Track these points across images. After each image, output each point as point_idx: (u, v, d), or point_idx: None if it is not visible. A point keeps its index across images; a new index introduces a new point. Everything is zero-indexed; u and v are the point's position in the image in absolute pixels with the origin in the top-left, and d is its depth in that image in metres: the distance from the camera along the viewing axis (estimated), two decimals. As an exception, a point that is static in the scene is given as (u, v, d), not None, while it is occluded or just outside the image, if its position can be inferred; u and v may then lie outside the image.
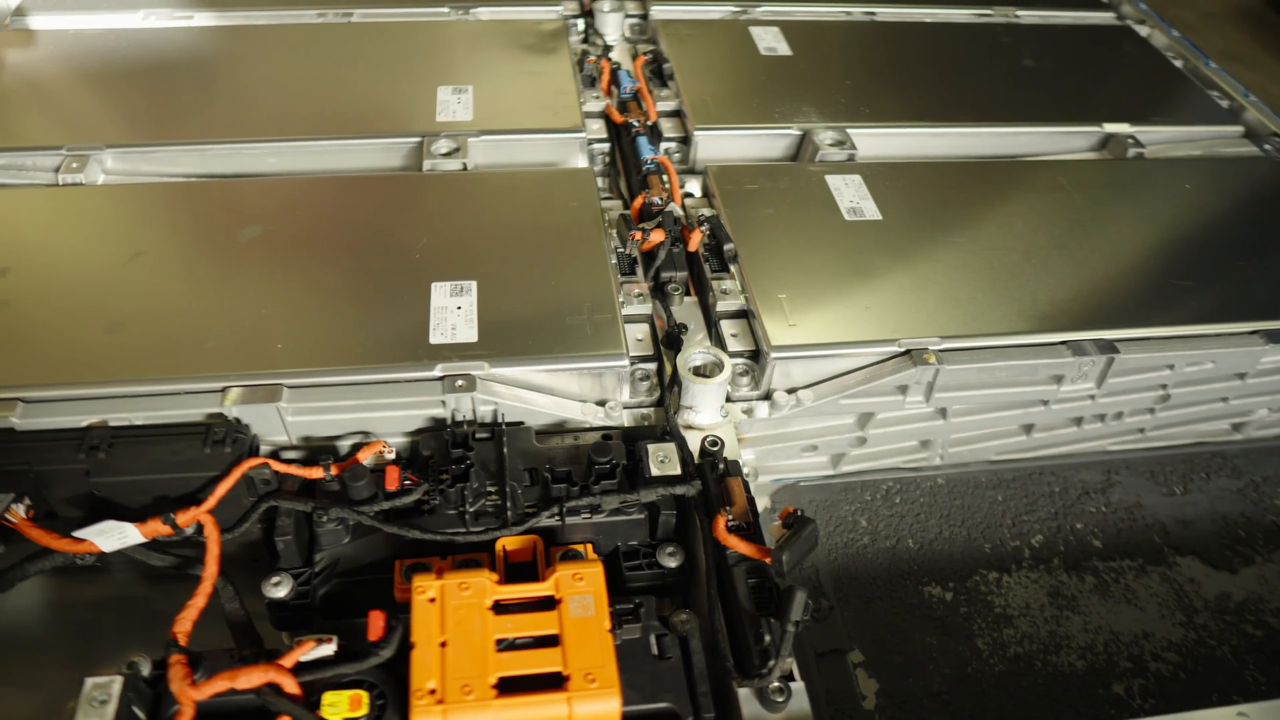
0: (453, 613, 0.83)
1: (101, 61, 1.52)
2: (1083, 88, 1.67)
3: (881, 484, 1.21)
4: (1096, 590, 1.12)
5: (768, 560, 0.89)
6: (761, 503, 1.18)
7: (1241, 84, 1.79)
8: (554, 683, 0.80)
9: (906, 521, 1.17)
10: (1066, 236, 1.31)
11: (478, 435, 1.02)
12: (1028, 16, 1.88)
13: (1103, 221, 1.35)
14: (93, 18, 1.64)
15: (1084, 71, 1.72)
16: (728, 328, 1.16)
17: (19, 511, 0.92)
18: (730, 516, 0.93)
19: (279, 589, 0.91)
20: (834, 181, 1.35)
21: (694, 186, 1.41)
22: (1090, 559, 1.16)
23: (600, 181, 1.41)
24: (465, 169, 1.34)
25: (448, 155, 1.35)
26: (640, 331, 1.16)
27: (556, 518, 0.94)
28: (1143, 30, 1.91)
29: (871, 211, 1.31)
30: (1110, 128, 1.56)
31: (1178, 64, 1.80)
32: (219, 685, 0.79)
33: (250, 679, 0.79)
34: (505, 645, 0.82)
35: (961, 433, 1.22)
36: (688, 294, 1.23)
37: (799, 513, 0.91)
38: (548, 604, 0.85)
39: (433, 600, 0.84)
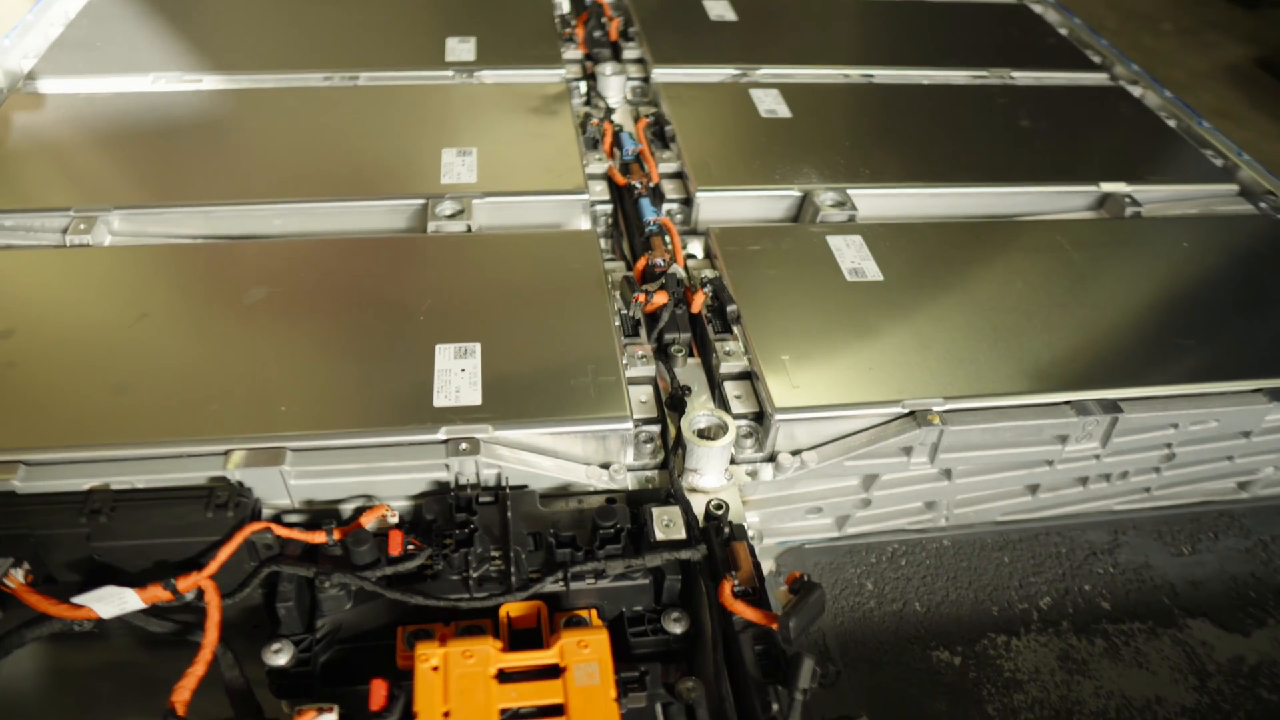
0: (456, 681, 0.82)
1: (110, 124, 1.54)
2: (1079, 147, 1.70)
3: (887, 546, 1.20)
4: (1107, 654, 1.11)
5: (774, 626, 0.88)
6: (766, 565, 1.17)
7: (1234, 142, 1.81)
8: (559, 754, 0.78)
9: (913, 584, 1.16)
10: (1067, 295, 1.32)
11: (481, 499, 1.02)
12: (1022, 78, 1.91)
13: (1103, 280, 1.35)
14: (103, 81, 1.67)
15: (1080, 131, 1.74)
16: (731, 389, 1.16)
17: (17, 576, 0.91)
18: (736, 581, 0.93)
19: (280, 656, 0.90)
20: (835, 242, 1.36)
21: (696, 247, 1.42)
22: (1100, 621, 1.14)
23: (603, 243, 1.42)
24: (469, 230, 1.36)
25: (452, 217, 1.36)
26: (644, 393, 1.16)
27: (561, 583, 0.93)
28: (1136, 91, 1.94)
29: (873, 272, 1.32)
30: (1107, 187, 1.58)
31: (1171, 124, 1.82)
32: (217, 758, 0.77)
33: (249, 752, 0.78)
34: (510, 715, 0.81)
35: (967, 493, 1.21)
36: (691, 355, 1.23)
37: (806, 578, 0.90)
38: (552, 672, 0.84)
39: (436, 668, 0.83)
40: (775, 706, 0.83)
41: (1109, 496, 1.27)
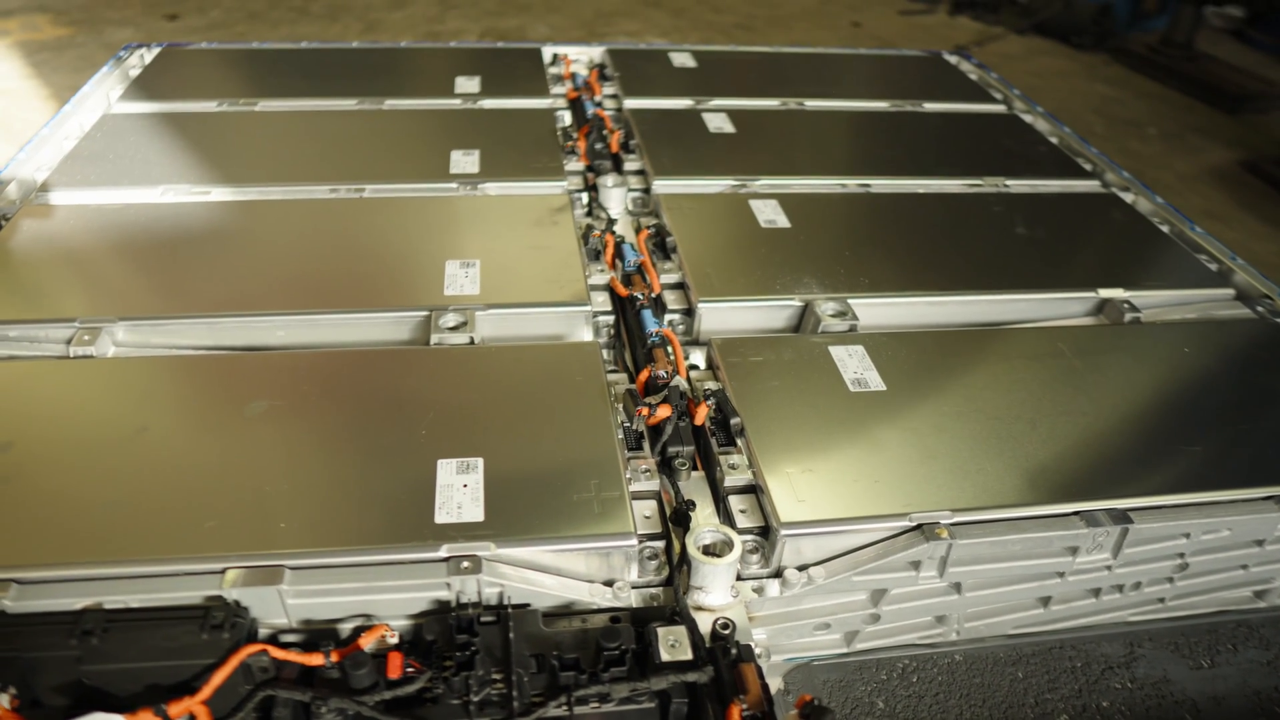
0: (455, 817, 0.78)
1: (118, 235, 1.57)
2: (1075, 254, 1.72)
3: (897, 662, 1.17)
4: (1130, 777, 1.07)
5: (785, 754, 0.85)
6: (775, 683, 1.14)
7: (1227, 247, 1.84)
8: None
9: (925, 702, 1.13)
10: (1071, 403, 1.31)
11: (483, 619, 1.00)
12: (1016, 186, 1.95)
13: (1106, 386, 1.35)
14: (114, 193, 1.70)
15: (1075, 238, 1.77)
16: (736, 503, 1.15)
17: (3, 702, 0.89)
18: (745, 706, 0.90)
19: (272, 789, 0.87)
20: (837, 352, 1.37)
21: (699, 358, 1.43)
22: (1120, 742, 1.11)
23: (606, 354, 1.43)
24: (472, 342, 1.36)
25: (455, 329, 1.37)
26: (648, 509, 1.15)
27: (565, 707, 0.91)
28: (1127, 197, 1.98)
29: (876, 382, 1.32)
30: (1105, 293, 1.60)
31: (1164, 229, 1.85)
32: None
33: None
34: None
35: (977, 607, 1.19)
36: (695, 469, 1.22)
37: (817, 702, 0.87)
38: (555, 806, 0.81)
39: (434, 803, 0.80)
40: (788, 842, 0.80)
41: (1123, 608, 1.25)
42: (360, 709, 0.89)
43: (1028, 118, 2.34)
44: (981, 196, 1.90)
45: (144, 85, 2.16)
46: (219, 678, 0.90)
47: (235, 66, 2.32)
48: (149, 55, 2.36)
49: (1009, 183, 1.96)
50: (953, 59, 2.69)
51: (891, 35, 5.00)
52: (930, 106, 2.32)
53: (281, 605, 0.99)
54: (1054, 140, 2.21)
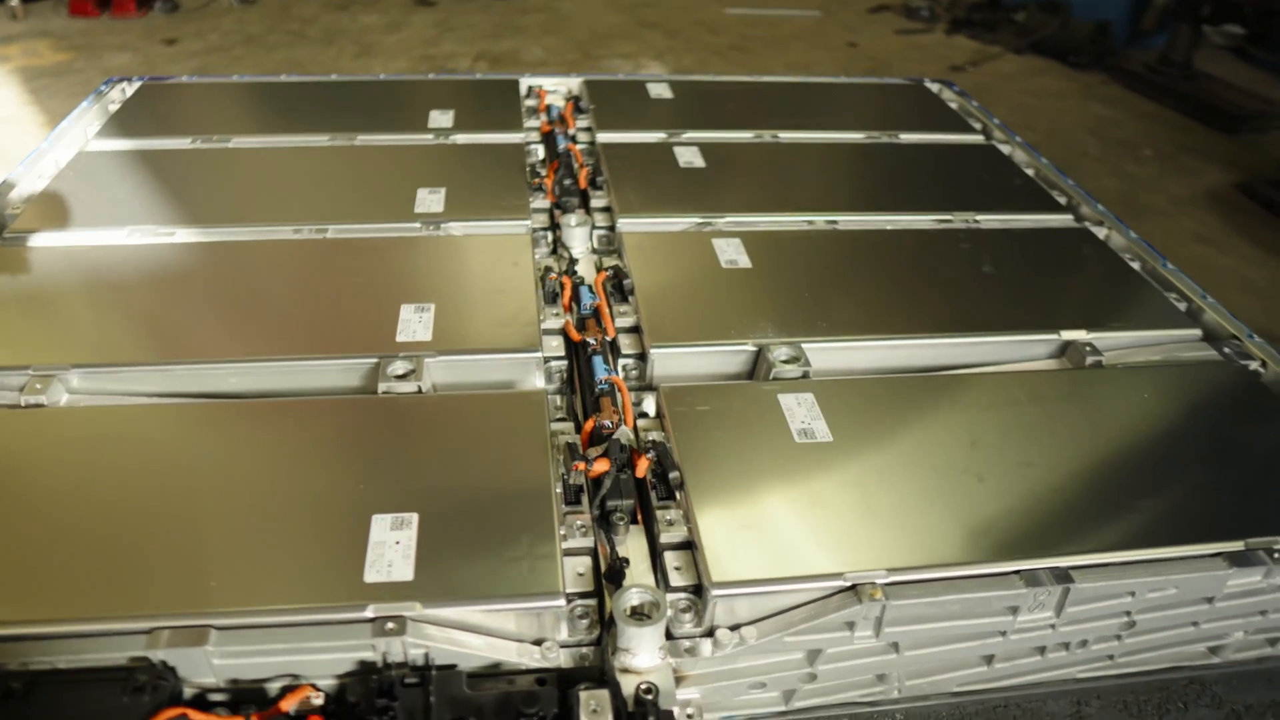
0: None
1: (80, 279, 1.57)
2: (1041, 293, 1.70)
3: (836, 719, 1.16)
4: (1067, 843, 1.05)
5: (695, 830, 0.84)
6: (711, 742, 1.13)
7: (1204, 282, 1.82)
8: None
9: (863, 763, 1.12)
10: (1020, 454, 1.30)
11: (406, 680, 0.99)
12: (987, 221, 1.94)
13: (1058, 437, 1.34)
14: (81, 234, 1.71)
15: (1042, 276, 1.76)
16: (671, 560, 1.14)
17: (-82, 774, 0.89)
18: (659, 775, 0.89)
19: None
20: (786, 401, 1.36)
21: (649, 405, 1.42)
22: (1059, 805, 1.09)
23: (557, 399, 1.43)
24: (420, 391, 1.36)
25: (403, 377, 1.37)
26: (582, 565, 1.14)
27: (478, 778, 0.90)
28: (1101, 232, 1.96)
29: (823, 432, 1.31)
30: (1067, 335, 1.58)
31: (1135, 265, 1.84)
32: None
33: None
34: None
35: (918, 665, 1.18)
36: (635, 522, 1.22)
37: (727, 777, 0.86)
38: None
39: None
40: None
41: (1070, 665, 1.23)
42: (274, 777, 0.89)
43: (1006, 148, 2.33)
44: (950, 233, 1.89)
45: (121, 122, 2.18)
46: (135, 743, 0.90)
47: (213, 101, 2.34)
48: (130, 89, 2.38)
49: (980, 218, 1.95)
50: (934, 87, 2.69)
51: (888, 55, 4.99)
52: (906, 137, 2.32)
53: (208, 665, 0.99)
54: (1030, 172, 2.20)
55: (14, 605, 1.01)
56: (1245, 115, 4.22)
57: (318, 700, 0.99)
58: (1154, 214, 3.38)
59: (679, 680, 1.08)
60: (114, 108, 2.28)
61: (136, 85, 2.39)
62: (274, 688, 1.03)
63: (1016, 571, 1.13)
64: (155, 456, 1.23)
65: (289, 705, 0.97)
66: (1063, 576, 1.12)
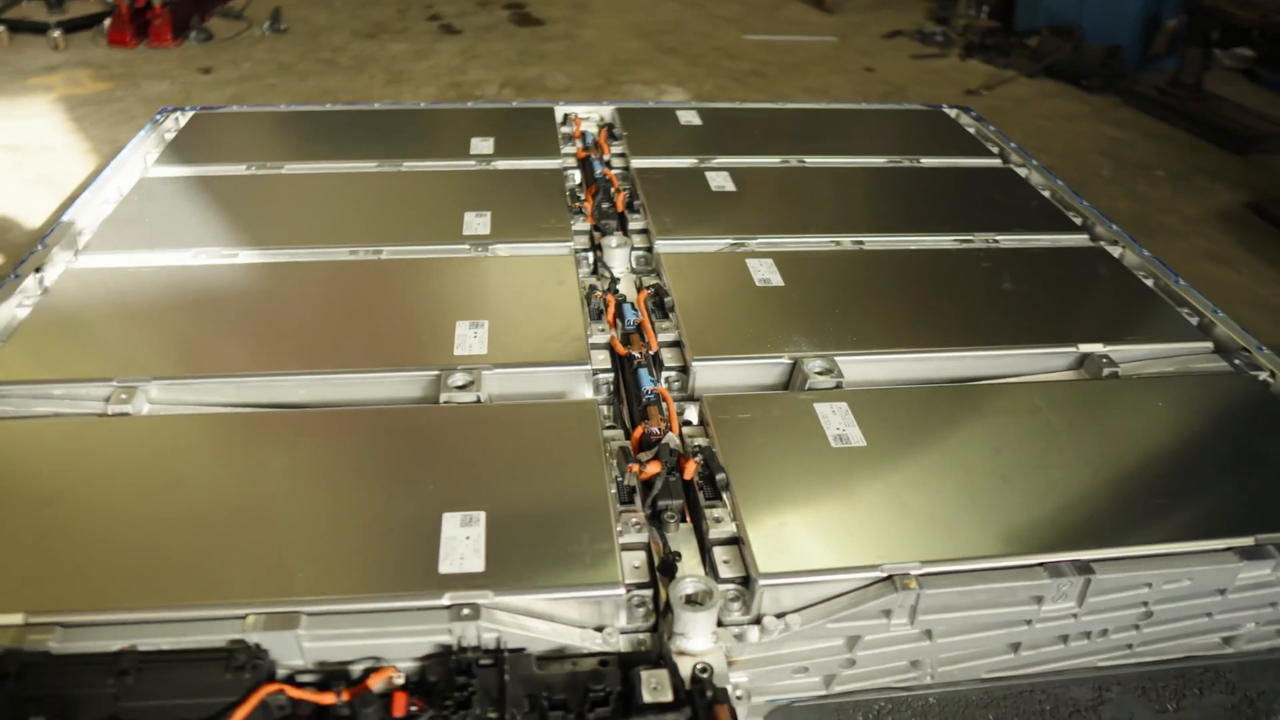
0: (448, 847, 0.87)
1: (153, 298, 1.68)
2: (1059, 309, 1.79)
3: (874, 704, 1.24)
4: (1091, 816, 1.13)
5: (753, 791, 0.93)
6: (757, 724, 1.21)
7: (1220, 297, 1.90)
8: None
9: (900, 743, 1.20)
10: (1043, 457, 1.39)
11: (481, 662, 1.08)
12: (1006, 241, 2.03)
13: (1078, 442, 1.43)
14: (149, 256, 1.82)
15: (1060, 293, 1.85)
16: (720, 554, 1.23)
17: (48, 740, 0.98)
18: (717, 744, 0.98)
19: (286, 817, 0.95)
20: (822, 409, 1.45)
21: (693, 413, 1.51)
22: (1084, 782, 1.17)
23: (605, 409, 1.52)
24: (479, 400, 1.46)
25: (463, 388, 1.47)
26: (637, 559, 1.23)
27: (552, 746, 0.99)
28: (1115, 250, 2.05)
29: (857, 438, 1.40)
30: (1085, 348, 1.67)
31: (1149, 282, 1.92)
32: None
33: None
34: None
35: (950, 652, 1.26)
36: (684, 521, 1.31)
37: (781, 741, 0.95)
38: (540, 837, 0.89)
39: (430, 833, 0.88)
40: None
41: (1091, 654, 1.31)
42: (367, 746, 0.98)
43: (1022, 171, 2.42)
44: (971, 253, 1.98)
45: (178, 149, 2.30)
46: (240, 714, 0.99)
47: (263, 129, 2.46)
48: (183, 118, 2.50)
49: (999, 238, 2.04)
50: (952, 112, 2.79)
51: (904, 80, 5.10)
52: (927, 162, 2.42)
53: (298, 648, 1.08)
54: (1046, 194, 2.29)
55: (122, 594, 1.11)
56: (1256, 136, 4.31)
57: (399, 680, 1.08)
58: (1167, 233, 3.46)
59: (729, 665, 1.17)
60: (170, 136, 2.40)
61: (189, 115, 2.51)
62: (357, 670, 1.12)
63: (1041, 564, 1.21)
64: (237, 460, 1.33)
65: (375, 683, 1.06)
66: (1084, 568, 1.21)
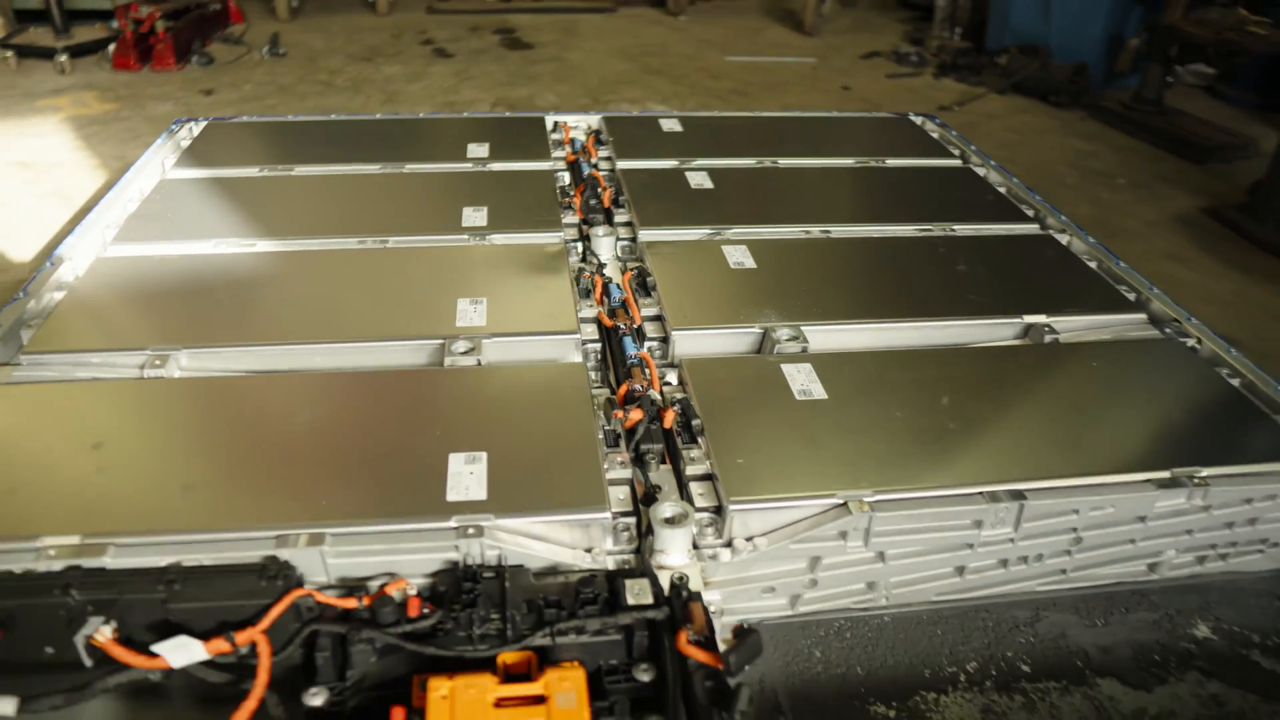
0: (461, 707, 1.02)
1: (179, 280, 1.84)
2: (1008, 287, 1.96)
3: (834, 622, 1.39)
4: (1024, 708, 1.28)
5: (720, 665, 1.08)
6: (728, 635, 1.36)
7: (1147, 279, 2.06)
8: (543, 761, 0.97)
9: (855, 653, 1.35)
10: (986, 408, 1.55)
11: (484, 574, 1.23)
12: (962, 230, 2.21)
13: (1019, 395, 1.59)
14: (173, 245, 1.98)
15: (1009, 273, 2.02)
16: (696, 489, 1.38)
17: (106, 633, 1.13)
18: (691, 632, 1.13)
19: (316, 699, 1.10)
20: (788, 369, 1.61)
21: (672, 378, 1.67)
22: (1019, 681, 1.32)
23: (593, 374, 1.67)
24: (479, 364, 1.61)
25: (465, 354, 1.62)
26: (622, 493, 1.38)
27: (548, 637, 1.14)
28: (1063, 239, 2.22)
29: (819, 393, 1.56)
30: (1029, 319, 1.83)
31: (1092, 265, 2.09)
32: (268, 769, 0.97)
33: (294, 764, 0.97)
34: (502, 732, 1.00)
35: (902, 575, 1.41)
36: (663, 462, 1.46)
37: (745, 626, 1.10)
38: (539, 700, 1.04)
39: (445, 697, 1.03)
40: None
41: (1030, 578, 1.46)
42: (387, 638, 1.13)
43: (981, 171, 2.60)
44: (930, 239, 2.15)
45: (194, 154, 2.46)
46: (275, 611, 1.13)
47: (273, 137, 2.62)
48: (196, 128, 2.66)
49: (956, 227, 2.22)
50: (918, 119, 2.97)
51: (880, 98, 5.30)
52: (892, 162, 2.59)
53: (323, 564, 1.23)
54: (1002, 190, 2.47)
55: (167, 520, 1.26)
56: (1213, 147, 4.51)
57: (412, 591, 1.22)
58: (1127, 235, 3.65)
59: (705, 585, 1.32)
60: (185, 144, 2.56)
61: (203, 124, 2.68)
62: (374, 585, 1.26)
63: (980, 492, 1.37)
64: (266, 413, 1.48)
65: (391, 591, 1.20)
66: (1017, 496, 1.37)
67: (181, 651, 1.12)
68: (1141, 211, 3.92)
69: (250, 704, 1.06)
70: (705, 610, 1.17)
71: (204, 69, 5.28)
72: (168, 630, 1.17)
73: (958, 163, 2.65)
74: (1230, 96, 5.39)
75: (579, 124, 2.84)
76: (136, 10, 5.11)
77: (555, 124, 2.81)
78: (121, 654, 1.11)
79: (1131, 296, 1.98)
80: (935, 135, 2.85)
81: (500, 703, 1.03)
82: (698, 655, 1.10)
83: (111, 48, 5.18)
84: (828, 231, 2.16)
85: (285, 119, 2.76)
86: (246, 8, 6.32)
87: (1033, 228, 2.27)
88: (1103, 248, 2.19)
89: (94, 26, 5.51)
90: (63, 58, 5.06)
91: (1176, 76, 5.46)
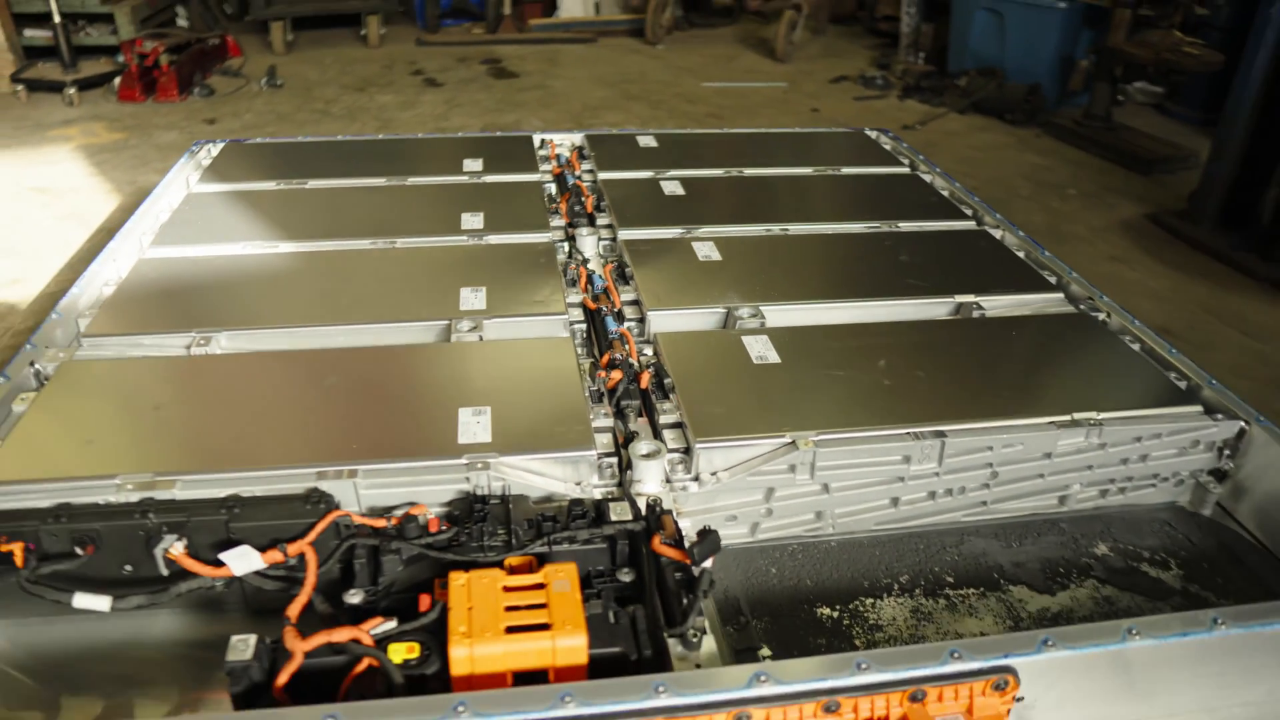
0: (477, 590, 1.26)
1: (214, 275, 2.09)
2: (943, 272, 2.22)
3: (788, 546, 1.64)
4: (947, 608, 1.53)
5: (687, 561, 1.33)
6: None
7: (1068, 265, 2.32)
8: (543, 628, 1.21)
9: (806, 569, 1.59)
10: (917, 368, 1.81)
11: (491, 500, 1.47)
12: (906, 227, 2.47)
13: (945, 358, 1.85)
14: (204, 248, 2.22)
15: (945, 261, 2.28)
16: (668, 435, 1.63)
17: (179, 548, 1.36)
18: (663, 536, 1.37)
19: (354, 598, 1.34)
20: (748, 340, 1.87)
21: (649, 351, 1.92)
22: (944, 588, 1.57)
23: (579, 350, 1.92)
24: (481, 340, 1.86)
25: (469, 331, 1.87)
26: (605, 438, 1.63)
27: (546, 545, 1.38)
28: (996, 233, 2.49)
29: (774, 358, 1.81)
30: (960, 299, 2.10)
31: (1020, 254, 2.36)
32: (319, 640, 1.20)
33: (341, 635, 1.21)
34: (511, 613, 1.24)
35: (845, 506, 1.66)
36: (640, 415, 1.71)
37: (706, 527, 1.35)
38: (539, 587, 1.28)
39: (463, 585, 1.27)
40: (685, 601, 1.27)
41: (956, 509, 1.71)
42: (412, 548, 1.37)
43: (927, 177, 2.88)
44: (877, 235, 2.42)
45: (216, 171, 2.72)
46: (321, 526, 1.38)
47: (286, 155, 2.88)
48: (215, 149, 2.92)
49: (901, 224, 2.48)
50: (873, 134, 3.26)
51: (847, 119, 5.61)
52: (846, 170, 2.87)
53: (355, 495, 1.47)
54: (945, 193, 2.75)
55: (224, 460, 1.50)
56: (1158, 159, 4.83)
57: (431, 515, 1.46)
58: (1075, 240, 3.93)
59: (677, 515, 1.56)
60: (206, 163, 2.82)
61: (221, 145, 2.93)
62: (398, 513, 1.50)
63: (907, 432, 1.62)
64: (300, 380, 1.72)
65: (416, 512, 1.44)
66: (939, 434, 1.62)
67: (242, 560, 1.36)
68: (1089, 219, 4.22)
69: (303, 597, 1.30)
70: (674, 520, 1.41)
71: (205, 100, 5.55)
72: (229, 543, 1.41)
73: (906, 170, 2.93)
74: (1177, 113, 5.73)
75: (564, 141, 3.11)
76: (141, 45, 5.38)
77: (542, 141, 3.08)
78: (192, 564, 1.35)
79: (1053, 280, 2.25)
80: (888, 147, 3.14)
81: (507, 589, 1.27)
82: (669, 553, 1.34)
83: (117, 81, 5.46)
84: (786, 229, 2.43)
85: (296, 139, 3.03)
86: (244, 42, 6.61)
87: (970, 224, 2.54)
88: (1031, 240, 2.46)
89: (99, 61, 5.78)
90: (71, 90, 5.33)
91: (1128, 95, 5.81)
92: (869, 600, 1.54)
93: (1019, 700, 1.25)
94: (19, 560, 1.35)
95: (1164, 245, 4.00)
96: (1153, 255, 3.89)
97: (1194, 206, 4.13)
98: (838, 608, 1.52)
